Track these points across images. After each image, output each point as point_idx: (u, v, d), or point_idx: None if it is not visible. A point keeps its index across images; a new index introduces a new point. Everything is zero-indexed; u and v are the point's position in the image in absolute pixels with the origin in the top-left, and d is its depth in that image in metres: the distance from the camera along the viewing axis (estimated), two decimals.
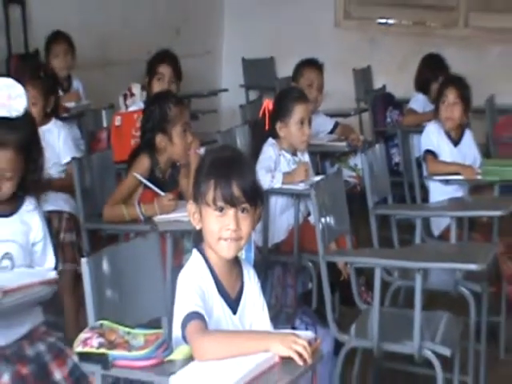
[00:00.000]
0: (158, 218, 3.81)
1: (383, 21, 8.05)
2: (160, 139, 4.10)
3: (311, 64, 5.80)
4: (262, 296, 2.71)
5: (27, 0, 6.29)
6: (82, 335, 2.48)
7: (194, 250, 2.64)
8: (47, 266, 3.09)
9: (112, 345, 2.44)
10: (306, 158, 4.69)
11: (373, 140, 5.39)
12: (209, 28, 8.06)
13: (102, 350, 2.43)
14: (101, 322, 2.55)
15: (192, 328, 2.46)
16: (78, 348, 2.46)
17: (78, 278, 3.86)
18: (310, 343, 2.45)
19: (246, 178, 2.57)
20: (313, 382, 2.95)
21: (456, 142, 5.12)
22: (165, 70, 5.37)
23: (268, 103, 4.62)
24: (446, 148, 5.09)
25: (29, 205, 3.08)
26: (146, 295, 2.82)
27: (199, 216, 2.59)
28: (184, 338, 2.48)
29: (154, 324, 2.67)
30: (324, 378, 3.66)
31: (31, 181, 3.05)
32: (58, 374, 2.93)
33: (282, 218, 4.54)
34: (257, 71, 7.25)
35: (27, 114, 3.00)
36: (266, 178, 4.29)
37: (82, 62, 6.11)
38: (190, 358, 2.44)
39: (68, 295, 4.29)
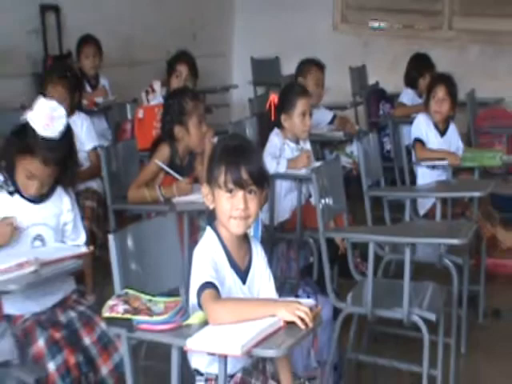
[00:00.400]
0: (176, 200, 3.81)
1: (376, 24, 8.03)
2: (178, 130, 4.09)
3: (317, 64, 5.80)
4: (268, 268, 2.71)
5: (61, 7, 6.28)
6: (109, 302, 2.48)
7: (208, 228, 2.64)
8: (79, 242, 3.12)
9: (136, 311, 2.45)
10: (308, 146, 4.68)
11: (367, 130, 5.36)
12: (221, 32, 8.07)
13: (127, 316, 2.44)
14: (126, 290, 2.56)
15: (206, 296, 2.47)
16: (106, 314, 2.46)
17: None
18: (311, 309, 2.46)
19: (253, 163, 2.57)
20: (313, 344, 2.96)
21: (442, 133, 5.13)
22: (182, 68, 5.40)
23: (274, 97, 4.62)
24: (434, 138, 5.09)
25: (60, 191, 3.12)
26: (166, 267, 2.82)
27: (212, 197, 2.60)
28: (199, 305, 2.49)
29: (173, 293, 2.65)
30: (324, 341, 3.69)
31: (64, 179, 3.10)
32: (87, 339, 2.94)
33: (286, 199, 4.54)
34: (264, 69, 7.24)
35: (67, 132, 3.01)
36: (272, 164, 4.30)
37: (109, 62, 6.11)
38: (204, 323, 2.45)
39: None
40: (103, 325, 2.82)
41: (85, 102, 5.28)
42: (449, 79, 5.15)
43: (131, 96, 5.47)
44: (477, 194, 4.49)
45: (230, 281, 2.59)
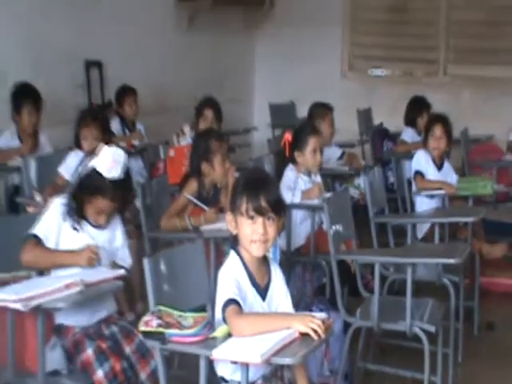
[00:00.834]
0: (203, 228, 3.81)
1: (379, 72, 8.05)
2: (204, 166, 4.11)
3: (329, 108, 5.80)
4: (285, 287, 2.71)
5: (103, 63, 6.35)
6: (145, 318, 2.49)
7: (232, 251, 2.64)
8: (127, 265, 3.14)
9: (168, 325, 2.46)
10: (318, 178, 4.67)
11: (372, 165, 5.34)
12: (243, 81, 8.13)
13: (160, 329, 2.45)
14: (159, 307, 2.56)
15: (230, 311, 2.47)
16: (142, 328, 2.48)
17: None
18: (323, 322, 2.46)
19: (271, 193, 2.58)
20: (326, 355, 2.93)
21: (439, 167, 5.12)
22: (208, 112, 5.42)
23: (288, 136, 4.61)
24: (432, 171, 5.07)
25: (116, 220, 3.16)
26: (194, 287, 2.83)
27: (235, 224, 2.60)
28: (224, 319, 2.49)
29: (200, 309, 2.64)
30: (335, 351, 3.66)
31: (122, 209, 3.16)
32: (128, 349, 2.95)
33: (301, 226, 4.52)
34: (281, 113, 7.26)
35: (127, 173, 3.07)
36: (288, 195, 4.28)
37: (144, 109, 6.15)
38: (228, 335, 2.45)
39: None
40: (141, 336, 2.81)
41: (123, 144, 5.29)
42: (445, 119, 5.15)
43: (164, 138, 5.50)
44: (470, 219, 4.49)
45: (251, 298, 2.59)
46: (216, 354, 2.35)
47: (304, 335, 2.42)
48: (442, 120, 5.14)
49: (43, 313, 2.72)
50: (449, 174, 5.13)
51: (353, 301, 3.93)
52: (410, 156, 5.28)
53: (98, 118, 4.81)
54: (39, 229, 3.02)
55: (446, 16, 7.70)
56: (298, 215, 4.50)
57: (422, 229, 4.78)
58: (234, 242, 2.64)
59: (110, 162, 2.99)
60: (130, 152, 5.42)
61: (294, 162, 4.58)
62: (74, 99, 6.13)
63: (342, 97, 6.90)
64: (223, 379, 2.59)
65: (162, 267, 2.70)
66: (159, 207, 4.10)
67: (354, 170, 5.49)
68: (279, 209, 2.60)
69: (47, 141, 5.30)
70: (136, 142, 5.71)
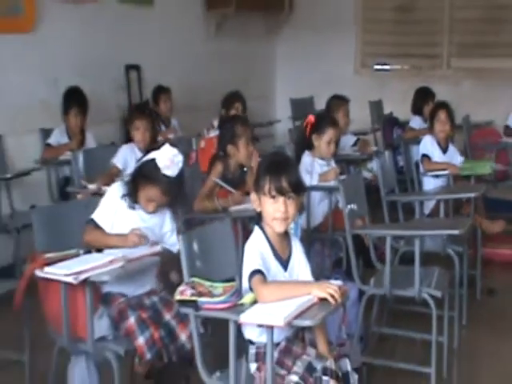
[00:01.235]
0: (231, 209, 3.82)
1: (388, 67, 8.01)
2: (230, 148, 4.11)
3: (344, 99, 5.78)
4: (305, 258, 2.71)
5: (141, 66, 6.36)
6: (180, 288, 2.51)
7: (256, 227, 2.65)
8: (174, 247, 3.06)
9: (200, 294, 2.48)
10: (333, 163, 4.63)
11: (384, 150, 5.31)
12: (266, 79, 8.13)
13: (194, 298, 2.47)
14: (192, 278, 2.58)
15: (256, 280, 2.48)
16: (177, 297, 2.49)
17: None
18: (339, 288, 2.46)
19: (291, 175, 2.58)
20: (343, 320, 2.93)
21: (444, 150, 5.08)
22: (238, 104, 5.45)
23: (311, 118, 4.56)
24: (437, 154, 5.05)
25: (165, 209, 3.15)
26: (223, 260, 2.83)
27: (259, 202, 2.61)
28: (250, 288, 2.50)
29: (229, 280, 2.65)
30: (351, 317, 3.64)
31: (173, 205, 3.16)
32: (167, 316, 2.96)
33: (319, 206, 4.51)
34: (300, 107, 7.23)
35: (181, 175, 3.05)
36: (307, 178, 4.28)
37: (178, 106, 6.17)
38: (254, 302, 2.46)
39: None
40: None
41: (160, 138, 5.31)
42: (448, 106, 5.14)
43: (195, 132, 5.51)
44: (472, 195, 4.48)
45: (274, 268, 2.59)
46: (243, 318, 2.37)
47: (322, 300, 2.42)
48: (446, 105, 5.13)
49: (91, 285, 2.75)
50: (454, 156, 5.10)
51: (367, 272, 3.91)
52: (417, 141, 5.26)
53: (148, 112, 4.88)
54: (97, 214, 3.05)
55: (449, 15, 7.65)
56: (316, 196, 4.49)
57: (429, 205, 4.76)
58: (258, 218, 2.64)
59: (168, 160, 2.98)
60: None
61: (310, 146, 4.56)
62: (116, 100, 6.16)
63: (355, 90, 6.84)
64: (250, 342, 2.60)
65: (195, 243, 2.70)
66: (192, 192, 4.10)
67: (367, 155, 5.48)
68: (299, 189, 2.60)
69: (92, 137, 5.34)
70: (171, 136, 5.72)
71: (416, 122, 6.38)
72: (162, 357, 2.88)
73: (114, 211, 3.05)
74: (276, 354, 2.51)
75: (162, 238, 3.11)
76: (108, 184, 3.59)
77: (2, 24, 5.05)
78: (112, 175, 4.31)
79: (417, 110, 6.39)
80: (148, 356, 2.85)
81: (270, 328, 2.37)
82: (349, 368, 2.55)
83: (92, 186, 4.22)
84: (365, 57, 8.02)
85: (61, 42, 5.54)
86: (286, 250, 2.66)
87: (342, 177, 4.35)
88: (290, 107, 7.27)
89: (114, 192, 3.09)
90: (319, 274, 4.24)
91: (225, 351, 2.50)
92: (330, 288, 2.42)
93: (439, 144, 5.06)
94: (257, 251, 2.55)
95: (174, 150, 3.02)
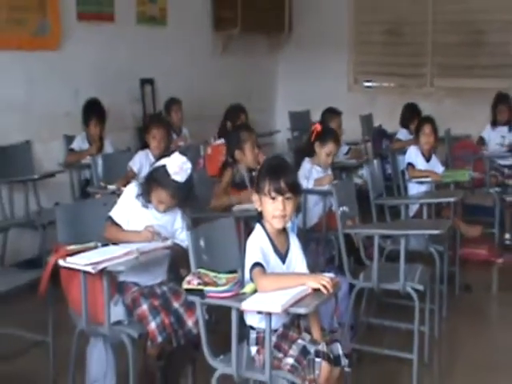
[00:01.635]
0: (234, 209, 3.83)
1: (378, 85, 8.01)
2: (237, 153, 4.11)
3: (338, 113, 5.82)
4: (302, 253, 2.71)
5: (155, 80, 6.36)
6: (187, 278, 2.51)
7: (257, 224, 2.65)
8: (184, 243, 3.03)
9: (205, 283, 2.48)
10: (329, 171, 4.65)
11: (373, 159, 5.32)
12: (268, 94, 8.12)
13: (200, 287, 2.47)
14: (198, 270, 2.58)
15: (256, 272, 2.49)
16: (185, 286, 2.50)
17: None
18: (331, 279, 2.47)
19: (289, 177, 2.59)
20: (336, 311, 2.93)
21: (428, 160, 5.08)
22: (242, 116, 5.47)
23: (318, 126, 4.58)
24: (421, 163, 5.04)
25: (176, 209, 3.14)
26: (227, 254, 2.84)
27: (260, 202, 2.61)
28: (251, 278, 2.51)
29: (232, 271, 2.65)
30: (343, 308, 3.64)
31: (183, 206, 3.14)
32: (176, 304, 2.96)
33: (315, 209, 4.52)
34: (298, 119, 7.22)
35: (190, 179, 3.04)
36: (304, 182, 4.30)
37: (188, 116, 6.17)
38: (255, 291, 2.47)
39: None
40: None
41: (171, 146, 5.31)
42: (432, 120, 5.13)
43: (203, 139, 5.51)
44: (452, 200, 4.48)
45: (273, 261, 2.60)
46: (245, 305, 2.38)
47: (316, 290, 2.43)
48: (431, 121, 5.12)
49: (108, 274, 2.76)
50: (436, 166, 5.09)
51: (357, 268, 3.91)
52: (403, 151, 5.25)
53: (164, 123, 4.88)
54: (115, 212, 3.05)
55: (432, 39, 7.64)
56: (311, 199, 4.50)
57: (413, 209, 4.75)
58: (259, 217, 2.65)
59: (177, 167, 2.98)
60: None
61: (311, 152, 4.56)
62: (132, 110, 6.16)
63: (348, 105, 6.84)
64: (251, 327, 2.61)
65: (202, 239, 2.71)
66: (200, 194, 4.10)
67: (358, 163, 5.49)
68: (296, 190, 2.60)
69: (110, 143, 5.35)
70: (182, 143, 5.72)
71: (402, 134, 6.37)
72: (172, 341, 2.89)
73: (129, 209, 3.06)
74: (274, 339, 2.52)
75: (173, 234, 3.10)
76: (125, 185, 3.60)
77: (32, 42, 5.09)
78: (128, 178, 4.32)
79: (404, 123, 6.37)
80: (159, 339, 2.85)
81: (269, 315, 2.38)
82: (340, 352, 2.55)
83: (111, 187, 4.25)
84: (357, 75, 8.02)
85: (83, 58, 5.55)
86: (285, 245, 2.66)
87: (335, 182, 4.35)
88: (289, 119, 7.27)
89: (130, 192, 3.10)
90: (314, 268, 4.27)
91: (228, 336, 2.50)
92: (323, 279, 2.43)
93: (423, 154, 5.06)
94: (258, 246, 2.56)
95: (183, 158, 3.02)
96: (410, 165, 5.01)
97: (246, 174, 4.08)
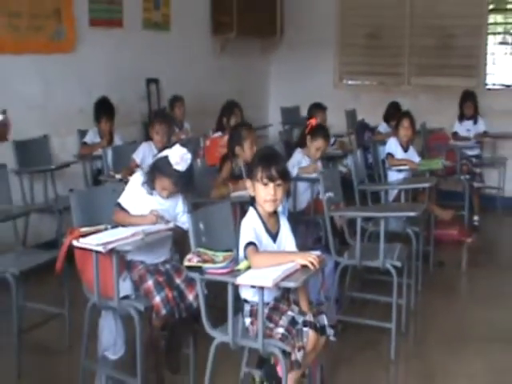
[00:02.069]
0: (232, 195, 3.80)
1: (360, 83, 7.97)
2: (237, 149, 4.08)
3: (323, 108, 5.79)
4: (291, 233, 2.70)
5: (160, 80, 6.29)
6: (188, 256, 2.50)
7: (251, 207, 2.64)
8: (184, 225, 2.98)
9: (204, 261, 2.47)
10: (319, 163, 4.60)
11: (356, 149, 5.30)
12: (261, 91, 8.06)
13: (199, 264, 2.46)
14: (198, 249, 2.57)
15: (250, 250, 2.48)
16: (186, 263, 2.49)
17: None
18: (318, 257, 2.46)
19: (279, 165, 2.58)
20: (322, 286, 2.93)
21: (405, 150, 5.06)
22: (237, 111, 5.39)
23: (313, 121, 4.54)
24: (400, 153, 5.02)
25: (178, 194, 3.10)
26: (224, 234, 2.82)
27: (253, 188, 2.60)
28: (245, 256, 2.50)
29: (228, 250, 2.64)
30: (329, 284, 3.66)
31: (185, 192, 3.09)
32: (178, 280, 2.95)
33: (304, 195, 4.48)
34: (289, 114, 7.19)
35: (190, 168, 3.00)
36: (293, 171, 4.28)
37: (189, 111, 6.12)
38: (249, 268, 2.46)
39: None
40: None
41: (174, 138, 5.28)
42: (410, 115, 5.11)
43: (203, 133, 5.47)
44: (427, 185, 4.48)
45: (265, 241, 2.59)
46: (239, 280, 2.37)
47: (304, 267, 2.42)
48: (409, 115, 5.11)
49: (116, 253, 2.74)
50: (413, 155, 5.07)
51: (341, 248, 3.92)
52: (384, 142, 5.23)
53: (167, 119, 4.85)
54: (122, 198, 3.03)
55: (409, 42, 7.59)
56: (301, 186, 4.47)
57: (392, 194, 4.75)
58: (252, 201, 2.64)
59: (179, 157, 2.94)
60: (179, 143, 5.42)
61: (303, 145, 4.52)
62: (138, 107, 6.11)
63: (334, 101, 6.79)
64: (245, 301, 2.60)
65: (201, 221, 2.69)
66: (200, 181, 4.08)
67: (343, 153, 5.47)
68: (285, 177, 2.59)
69: (119, 137, 5.30)
70: (183, 136, 5.68)
71: (383, 128, 6.34)
72: (174, 313, 2.87)
73: (135, 196, 3.03)
74: (266, 311, 2.52)
75: (175, 217, 3.08)
76: (130, 174, 3.57)
77: (50, 46, 5.08)
78: (132, 168, 4.29)
79: (387, 118, 6.33)
80: (163, 312, 2.84)
81: (261, 289, 2.38)
82: (325, 322, 2.55)
83: (118, 176, 4.23)
84: (342, 74, 7.97)
85: (94, 60, 5.51)
86: (275, 226, 2.65)
87: (321, 170, 4.33)
88: (280, 114, 7.24)
89: (136, 180, 3.08)
90: (302, 247, 4.26)
91: (224, 309, 2.50)
92: (310, 257, 2.43)
93: (401, 145, 5.04)
94: (251, 227, 2.55)
95: (184, 150, 2.99)
96: (390, 154, 5.00)
97: (243, 167, 4.05)
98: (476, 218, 6.14)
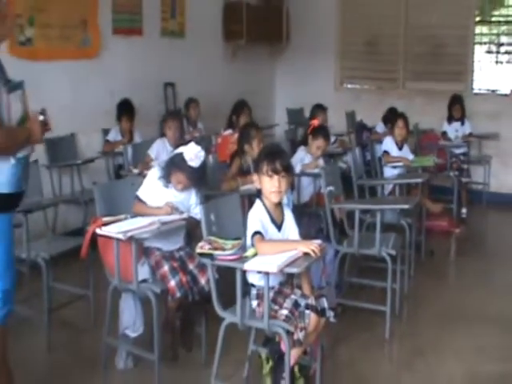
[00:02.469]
0: (241, 188, 3.77)
1: (359, 86, 7.91)
2: (246, 147, 4.04)
3: (324, 108, 5.73)
4: (294, 223, 2.67)
5: (176, 84, 6.27)
6: (200, 244, 2.48)
7: (257, 199, 2.62)
8: (197, 216, 2.95)
9: (215, 248, 2.45)
10: (321, 159, 4.55)
11: (355, 147, 5.25)
12: (268, 93, 8.01)
13: (210, 251, 2.44)
14: (209, 237, 2.56)
15: (256, 239, 2.47)
16: (198, 250, 2.47)
17: None
18: (319, 245, 2.43)
19: (284, 159, 2.56)
20: (323, 272, 2.90)
21: (400, 148, 5.03)
22: (246, 109, 5.35)
23: (316, 122, 4.48)
24: (395, 150, 5.00)
25: (191, 188, 3.08)
26: (233, 224, 2.80)
27: (259, 181, 2.58)
28: (252, 244, 2.47)
29: (236, 238, 2.61)
30: (329, 270, 3.63)
31: (198, 186, 3.06)
32: (191, 265, 2.95)
33: (307, 189, 4.41)
34: (294, 114, 7.15)
35: (203, 164, 2.98)
36: (298, 168, 4.23)
37: (203, 112, 6.10)
38: (255, 255, 2.43)
39: None
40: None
41: (188, 136, 5.25)
42: (405, 116, 5.09)
43: (215, 131, 5.45)
44: (419, 180, 4.46)
45: (270, 230, 2.57)
46: (247, 266, 2.36)
47: (306, 254, 2.40)
48: (403, 117, 5.09)
49: (135, 241, 2.73)
50: (407, 153, 5.05)
51: (341, 237, 3.88)
52: (380, 141, 5.22)
53: (178, 116, 4.84)
54: (141, 191, 3.01)
55: (404, 49, 7.53)
56: (305, 181, 4.42)
57: (388, 188, 4.72)
58: (258, 193, 2.62)
59: (193, 154, 2.92)
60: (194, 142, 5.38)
61: (306, 143, 4.47)
62: (156, 109, 6.06)
63: (335, 103, 6.76)
64: (252, 285, 2.59)
65: (212, 211, 2.68)
66: (213, 175, 4.06)
67: (343, 151, 5.43)
68: (289, 170, 2.56)
69: (139, 135, 5.30)
70: (197, 135, 5.65)
71: (380, 128, 6.32)
72: (188, 296, 2.87)
73: (153, 189, 3.02)
74: (271, 294, 2.50)
75: (188, 208, 3.07)
76: (145, 169, 3.55)
77: (77, 53, 5.11)
78: (147, 163, 4.27)
79: (385, 120, 6.28)
80: (178, 295, 2.84)
81: (267, 274, 2.36)
82: (325, 305, 2.53)
83: (135, 170, 4.22)
84: (342, 78, 7.91)
85: (117, 65, 5.50)
86: (280, 217, 2.63)
87: (322, 166, 4.28)
88: (286, 115, 7.21)
89: (153, 175, 3.06)
90: (305, 237, 4.22)
91: (233, 293, 2.48)
92: (312, 245, 2.41)
93: (396, 144, 5.02)
94: (257, 217, 2.53)
95: (198, 148, 2.97)
96: (386, 152, 4.98)
97: (251, 163, 4.02)
98: (464, 210, 6.10)
